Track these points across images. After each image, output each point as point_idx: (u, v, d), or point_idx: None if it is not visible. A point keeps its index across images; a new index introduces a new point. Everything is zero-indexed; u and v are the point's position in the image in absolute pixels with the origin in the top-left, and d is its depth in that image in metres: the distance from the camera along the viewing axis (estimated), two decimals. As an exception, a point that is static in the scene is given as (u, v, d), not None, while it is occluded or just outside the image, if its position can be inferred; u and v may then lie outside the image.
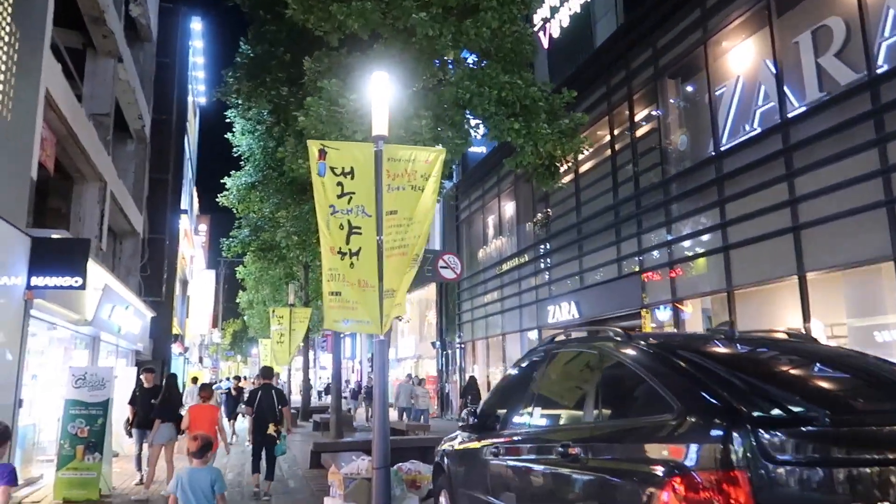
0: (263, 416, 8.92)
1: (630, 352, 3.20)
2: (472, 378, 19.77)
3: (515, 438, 4.10)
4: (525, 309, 21.66)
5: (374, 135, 5.85)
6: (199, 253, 36.65)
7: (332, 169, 5.74)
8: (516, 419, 4.25)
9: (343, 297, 5.66)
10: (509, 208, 23.93)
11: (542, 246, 20.54)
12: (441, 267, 6.55)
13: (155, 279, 21.74)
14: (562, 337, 4.40)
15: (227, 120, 18.44)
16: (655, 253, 14.77)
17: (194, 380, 23.08)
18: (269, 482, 8.92)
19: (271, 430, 8.80)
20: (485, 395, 19.54)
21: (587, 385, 3.38)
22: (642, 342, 3.25)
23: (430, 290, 32.57)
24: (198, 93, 32.44)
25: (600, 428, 3.16)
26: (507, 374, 4.88)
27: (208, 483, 4.51)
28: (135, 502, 8.77)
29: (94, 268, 11.57)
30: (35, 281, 8.01)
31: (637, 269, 15.31)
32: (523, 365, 4.72)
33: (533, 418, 3.97)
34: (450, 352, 29.55)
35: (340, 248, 5.74)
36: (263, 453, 8.88)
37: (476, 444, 4.64)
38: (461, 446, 4.98)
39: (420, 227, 5.77)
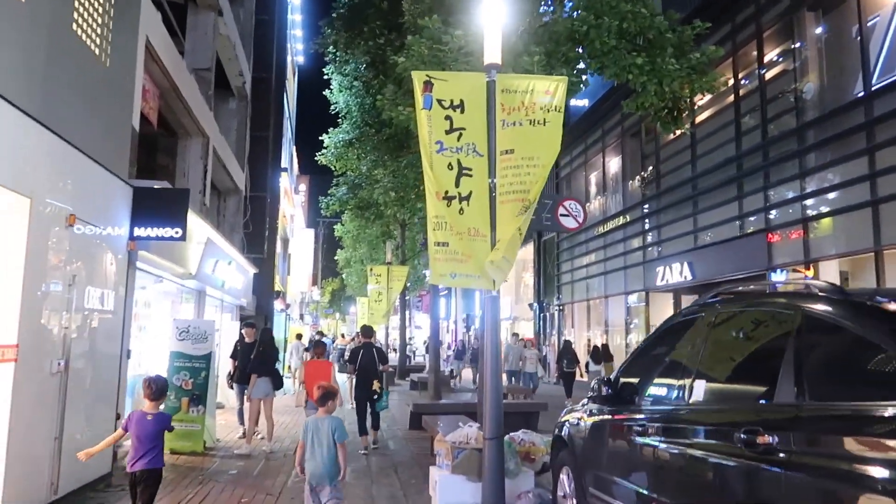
0: (366, 374, 9.15)
1: (855, 313, 2.37)
2: (567, 342, 19.03)
3: (667, 416, 3.37)
4: (630, 270, 20.52)
5: (487, 63, 5.13)
6: (298, 212, 37.35)
7: (439, 102, 5.08)
8: (665, 392, 3.52)
9: (451, 249, 5.04)
10: (614, 164, 22.61)
11: (651, 204, 19.22)
12: (561, 215, 5.79)
13: (257, 236, 22.11)
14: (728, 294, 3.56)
15: (325, 77, 18.15)
16: (785, 209, 13.30)
17: (298, 336, 23.55)
18: (376, 431, 9.47)
19: (375, 386, 9.04)
20: (584, 360, 18.86)
21: (780, 355, 2.58)
22: (872, 301, 2.42)
23: (527, 250, 31.75)
24: (296, 51, 32.56)
25: (809, 412, 2.37)
26: (650, 338, 4.11)
27: (331, 430, 4.84)
28: (237, 456, 8.69)
29: (197, 222, 11.57)
30: (137, 232, 7.91)
31: (762, 227, 13.90)
32: (673, 327, 3.93)
33: (690, 392, 3.22)
34: (547, 314, 28.79)
35: (447, 192, 5.09)
36: (367, 410, 9.13)
37: (611, 420, 3.95)
38: (591, 419, 4.30)
39: (540, 168, 5.03)
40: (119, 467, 8.03)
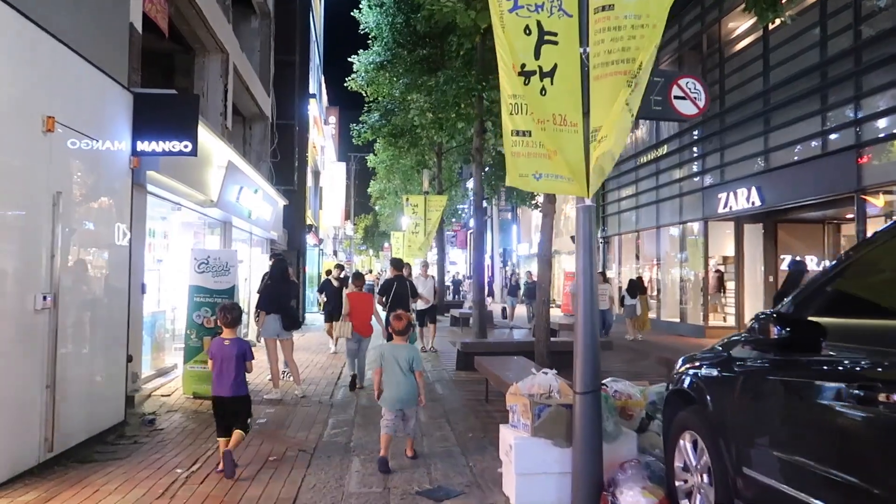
0: (398, 306, 8.94)
1: None
2: (603, 273, 17.89)
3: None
4: (686, 198, 18.91)
5: None
6: (329, 144, 36.03)
7: (514, -61, 3.69)
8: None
9: (533, 140, 3.74)
10: (669, 82, 20.65)
11: (712, 124, 17.44)
12: (676, 97, 4.40)
13: (286, 167, 20.96)
14: None
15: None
16: (881, 121, 11.57)
17: (328, 272, 22.62)
18: None
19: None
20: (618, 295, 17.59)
21: None
22: None
23: (569, 182, 30.08)
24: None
25: None
26: (844, 260, 2.79)
27: (407, 358, 5.10)
28: (267, 402, 7.74)
29: (217, 144, 10.38)
30: (140, 146, 6.77)
31: (850, 143, 12.19)
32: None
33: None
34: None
35: (525, 66, 3.76)
36: None
37: (790, 374, 2.69)
38: (747, 371, 3.04)
39: (649, 29, 3.63)
40: (135, 414, 7.12)
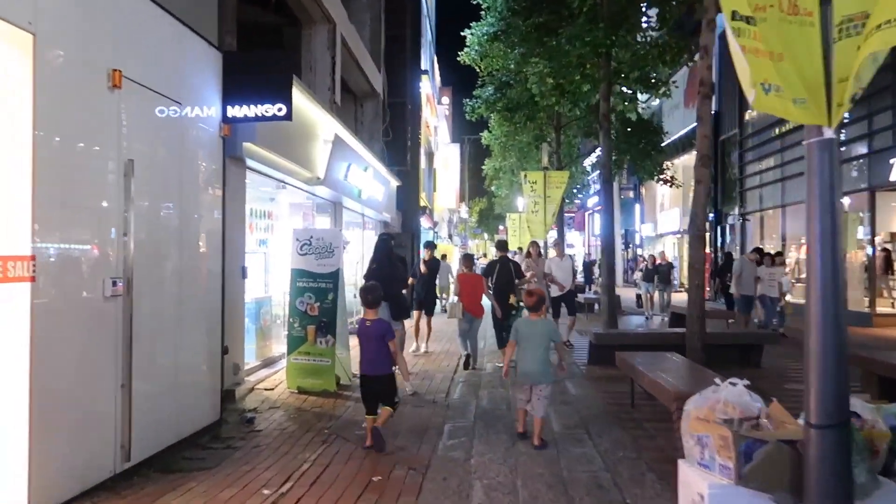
0: (502, 287, 8.86)
1: None
2: (728, 255, 16.10)
3: None
4: (846, 166, 16.37)
5: None
6: (442, 125, 35.30)
7: None
8: None
9: (761, 33, 2.44)
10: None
11: (882, 76, 14.84)
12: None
13: (399, 147, 20.30)
14: None
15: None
16: None
17: (444, 256, 21.78)
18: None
19: (512, 300, 8.76)
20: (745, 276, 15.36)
21: None
22: None
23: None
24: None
25: None
26: None
27: (544, 332, 5.19)
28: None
29: (322, 116, 9.63)
30: (231, 112, 6.05)
31: None
32: None
33: None
34: (727, 226, 24.91)
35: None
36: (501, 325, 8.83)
37: None
38: None
39: None
40: (235, 410, 6.46)
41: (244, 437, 5.60)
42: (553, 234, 20.05)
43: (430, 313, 10.35)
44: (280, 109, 6.01)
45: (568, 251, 35.34)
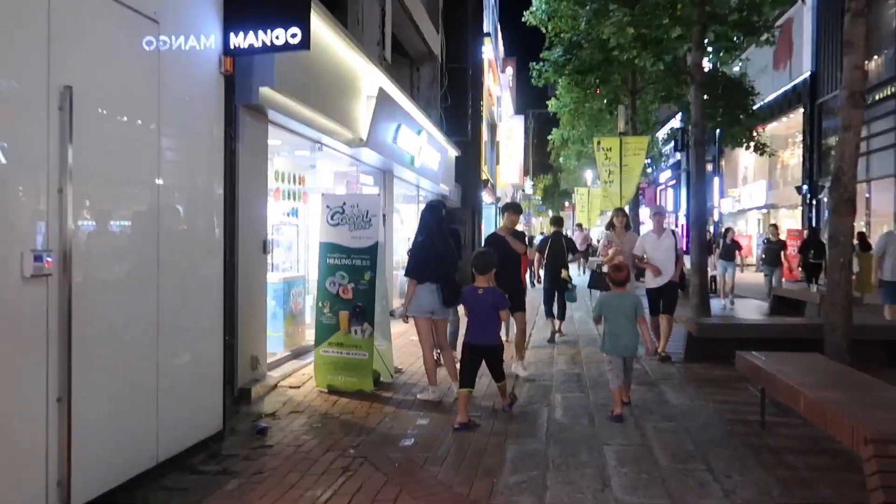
0: (554, 262, 8.95)
1: None
2: (813, 230, 14.06)
3: None
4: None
5: None
6: (506, 96, 33.46)
7: None
8: None
9: None
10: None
11: None
12: None
13: (458, 116, 18.80)
14: None
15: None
16: None
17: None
18: (562, 321, 9.22)
19: (563, 275, 8.72)
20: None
21: None
22: None
23: (787, 122, 25.02)
24: None
25: None
26: None
27: (630, 305, 5.14)
28: (420, 404, 5.53)
29: (365, 68, 8.24)
30: (235, 41, 4.75)
31: None
32: None
33: None
34: (823, 199, 22.39)
35: None
36: (556, 299, 8.93)
37: None
38: None
39: None
40: (249, 415, 5.24)
41: (248, 457, 4.34)
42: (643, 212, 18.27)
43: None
44: (294, 36, 4.63)
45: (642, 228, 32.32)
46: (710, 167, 38.36)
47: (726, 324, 7.96)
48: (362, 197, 6.98)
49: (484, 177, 21.74)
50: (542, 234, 23.00)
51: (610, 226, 8.92)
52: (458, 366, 6.63)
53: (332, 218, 6.05)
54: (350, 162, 9.40)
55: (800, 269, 15.43)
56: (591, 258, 27.46)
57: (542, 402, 5.53)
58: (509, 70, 37.29)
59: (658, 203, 39.76)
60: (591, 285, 9.03)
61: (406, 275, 5.66)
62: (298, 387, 6.15)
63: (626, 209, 19.03)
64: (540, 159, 56.85)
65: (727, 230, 14.37)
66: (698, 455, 4.05)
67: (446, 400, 5.59)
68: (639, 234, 9.50)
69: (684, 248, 7.39)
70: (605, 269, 6.98)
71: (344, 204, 6.02)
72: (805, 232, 18.12)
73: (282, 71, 5.70)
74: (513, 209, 6.73)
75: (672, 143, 31.59)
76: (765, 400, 4.56)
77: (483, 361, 5.02)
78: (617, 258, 7.20)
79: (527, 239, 8.84)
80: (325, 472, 3.98)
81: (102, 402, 3.45)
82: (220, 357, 4.66)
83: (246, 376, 5.79)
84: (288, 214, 7.30)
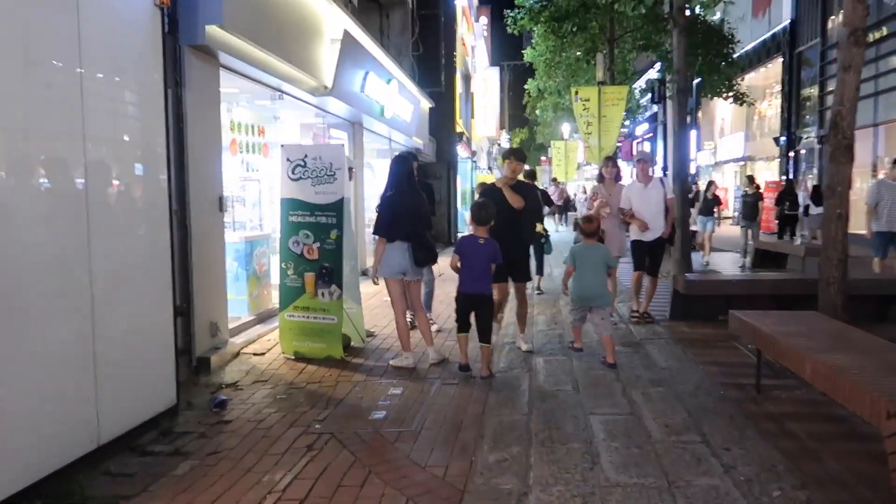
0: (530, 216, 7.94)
1: None
2: (789, 181, 14.15)
3: None
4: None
5: None
6: (480, 45, 32.49)
7: None
8: None
9: None
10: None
11: None
12: None
13: (431, 66, 18.09)
14: None
15: None
16: None
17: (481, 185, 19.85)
18: (540, 276, 9.01)
19: (539, 228, 8.11)
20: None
21: None
22: None
23: (769, 70, 24.66)
24: None
25: None
26: None
27: (599, 256, 5.33)
28: (393, 371, 5.17)
29: (327, 8, 7.64)
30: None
31: None
32: None
33: None
34: (802, 151, 22.23)
35: None
36: (532, 253, 7.40)
37: None
38: None
39: None
40: (208, 385, 4.85)
41: (204, 434, 3.96)
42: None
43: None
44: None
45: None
46: (687, 119, 37.98)
47: (715, 280, 7.68)
48: (325, 148, 6.49)
49: (459, 130, 21.14)
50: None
51: (600, 178, 7.88)
52: (432, 329, 6.34)
53: (293, 172, 5.56)
54: (316, 113, 8.83)
55: (775, 221, 15.29)
56: (568, 213, 27.13)
57: (523, 367, 5.20)
58: (483, 19, 36.17)
59: (633, 156, 39.47)
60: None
61: (374, 233, 5.22)
62: (263, 354, 5.75)
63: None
64: (515, 112, 56.02)
65: (710, 183, 13.99)
66: (692, 425, 3.74)
67: (421, 367, 5.24)
68: (660, 181, 8.47)
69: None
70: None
71: (305, 156, 5.53)
72: (782, 183, 17.95)
73: (231, 8, 5.15)
74: (514, 155, 5.56)
75: (649, 95, 31.10)
76: (761, 362, 4.26)
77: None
78: (602, 210, 6.79)
79: (540, 193, 8.19)
80: (286, 452, 3.61)
81: (23, 383, 3.02)
82: (170, 325, 4.22)
83: (205, 344, 5.37)
84: (248, 169, 6.77)
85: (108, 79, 3.66)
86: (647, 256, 6.79)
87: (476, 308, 4.96)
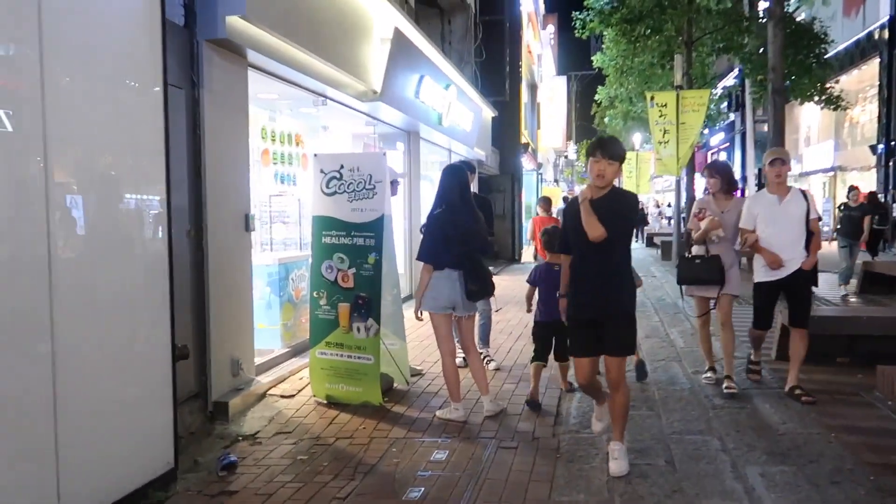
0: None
1: None
2: (872, 194, 13.53)
3: None
4: None
5: None
6: (547, 54, 31.50)
7: None
8: None
9: None
10: None
11: None
12: None
13: (495, 73, 17.30)
14: None
15: None
16: None
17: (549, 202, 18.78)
18: None
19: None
20: None
21: None
22: None
23: (859, 75, 22.69)
24: None
25: None
26: None
27: None
28: (441, 424, 4.28)
29: (376, 4, 6.89)
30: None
31: None
32: None
33: None
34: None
35: None
36: None
37: None
38: None
39: None
40: (222, 437, 4.10)
41: (200, 511, 3.18)
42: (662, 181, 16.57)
43: None
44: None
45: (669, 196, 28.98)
46: (765, 127, 35.92)
47: (837, 315, 6.42)
48: (364, 157, 5.70)
49: (524, 140, 20.20)
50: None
51: (709, 192, 5.33)
52: (489, 367, 5.44)
53: (327, 185, 4.79)
54: (367, 121, 8.12)
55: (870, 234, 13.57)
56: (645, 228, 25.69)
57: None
58: (550, 27, 35.17)
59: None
60: (682, 279, 5.06)
61: (418, 258, 4.35)
62: (292, 396, 4.97)
63: (683, 175, 17.34)
64: (582, 123, 54.64)
65: (853, 188, 11.95)
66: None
67: (473, 419, 4.34)
68: (800, 193, 4.90)
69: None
70: (694, 250, 5.16)
71: (342, 167, 4.74)
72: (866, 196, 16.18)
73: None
74: (601, 149, 3.57)
75: (725, 103, 29.29)
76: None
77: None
78: (714, 233, 4.82)
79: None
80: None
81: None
82: (167, 371, 3.49)
83: (224, 385, 4.64)
84: (283, 181, 6.05)
85: (79, 71, 2.96)
86: (788, 300, 4.81)
87: (556, 335, 4.70)
